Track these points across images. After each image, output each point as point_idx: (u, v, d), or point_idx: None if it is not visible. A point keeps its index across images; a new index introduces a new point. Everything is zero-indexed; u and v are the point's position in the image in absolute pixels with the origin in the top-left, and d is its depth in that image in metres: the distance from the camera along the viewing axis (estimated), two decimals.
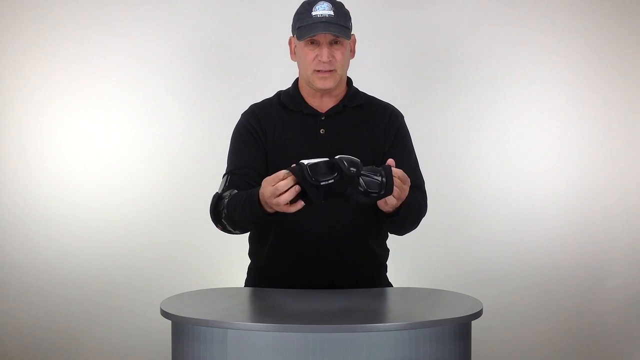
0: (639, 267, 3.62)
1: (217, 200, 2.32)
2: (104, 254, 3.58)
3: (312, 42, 2.36)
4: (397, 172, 2.12)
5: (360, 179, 2.05)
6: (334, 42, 2.36)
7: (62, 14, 3.58)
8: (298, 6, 2.43)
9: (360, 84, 2.54)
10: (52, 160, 3.60)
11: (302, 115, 2.45)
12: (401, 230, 2.41)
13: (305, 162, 2.02)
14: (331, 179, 2.01)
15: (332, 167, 2.02)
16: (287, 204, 2.06)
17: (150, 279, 3.56)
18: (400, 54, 3.63)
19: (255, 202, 2.16)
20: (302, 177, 2.02)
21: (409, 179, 2.17)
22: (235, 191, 2.30)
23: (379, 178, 2.06)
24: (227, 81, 3.61)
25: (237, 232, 2.34)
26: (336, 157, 2.04)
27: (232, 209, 2.26)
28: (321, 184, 2.01)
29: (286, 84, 2.53)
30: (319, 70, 2.37)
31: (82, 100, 3.60)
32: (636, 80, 3.62)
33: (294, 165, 2.04)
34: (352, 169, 2.02)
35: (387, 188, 2.07)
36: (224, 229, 2.34)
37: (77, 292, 3.57)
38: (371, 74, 3.36)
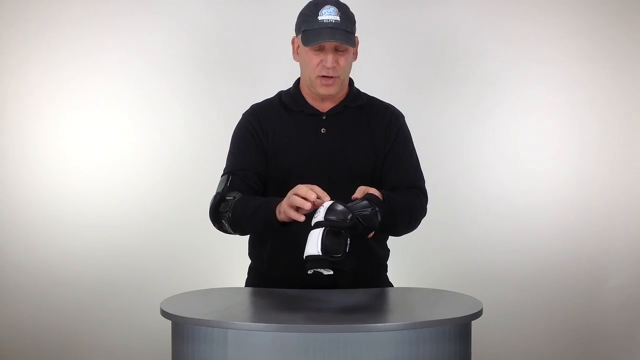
0: (639, 267, 3.62)
1: (219, 201, 2.32)
2: (104, 254, 3.58)
3: (317, 47, 2.36)
4: (373, 191, 2.16)
5: (358, 220, 2.05)
6: (338, 48, 2.36)
7: (62, 12, 3.58)
8: (301, 6, 2.42)
9: (361, 84, 2.54)
10: (52, 160, 3.60)
11: (303, 115, 2.45)
12: (394, 231, 2.42)
13: (310, 253, 2.00)
14: (347, 241, 2.01)
15: (334, 233, 2.00)
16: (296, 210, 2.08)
17: (150, 279, 3.56)
18: (401, 54, 3.63)
19: (271, 211, 2.17)
20: (329, 264, 2.00)
21: (380, 194, 2.18)
22: (240, 194, 2.30)
23: (371, 209, 2.08)
24: (228, 81, 3.61)
25: (236, 233, 2.35)
26: (321, 220, 2.01)
27: (239, 213, 2.26)
28: (347, 253, 2.01)
29: (287, 84, 2.53)
30: (322, 76, 2.37)
31: (82, 99, 3.60)
32: (637, 79, 3.62)
33: (307, 264, 2.02)
34: (348, 220, 2.02)
35: (382, 212, 2.10)
36: (221, 229, 2.34)
37: (77, 292, 3.57)
38: (372, 73, 3.36)
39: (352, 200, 2.14)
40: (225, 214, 2.29)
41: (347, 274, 2.39)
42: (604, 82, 3.62)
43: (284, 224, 2.19)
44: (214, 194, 2.37)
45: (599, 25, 3.61)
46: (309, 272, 2.02)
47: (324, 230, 2.00)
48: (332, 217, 2.01)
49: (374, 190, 2.17)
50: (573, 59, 3.62)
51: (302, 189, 2.10)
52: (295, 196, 2.09)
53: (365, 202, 2.11)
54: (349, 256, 2.02)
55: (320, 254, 1.98)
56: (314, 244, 2.00)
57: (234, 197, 2.30)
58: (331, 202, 2.05)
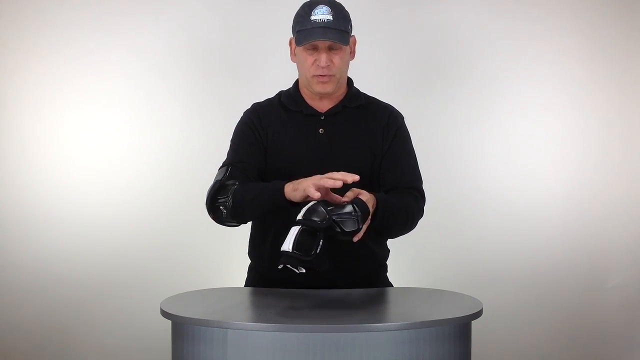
0: (639, 267, 3.62)
1: (218, 188, 2.33)
2: (104, 254, 3.58)
3: (311, 47, 2.37)
4: (364, 197, 2.17)
5: (335, 223, 2.08)
6: (332, 47, 2.37)
7: (62, 12, 3.58)
8: (299, 7, 2.43)
9: (360, 84, 2.54)
10: (52, 160, 3.60)
11: (302, 115, 2.46)
12: (390, 233, 2.42)
13: (284, 249, 2.03)
14: (320, 242, 2.05)
15: (310, 233, 2.04)
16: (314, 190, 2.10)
17: (150, 279, 3.56)
18: (400, 54, 3.63)
19: (278, 190, 2.20)
20: (300, 262, 2.04)
21: (371, 198, 2.20)
22: (239, 182, 2.31)
23: (352, 214, 2.11)
24: (228, 81, 3.61)
25: (233, 221, 2.35)
26: (299, 217, 2.06)
27: (240, 198, 2.28)
28: (319, 254, 2.04)
29: (287, 85, 2.53)
30: (318, 75, 2.37)
31: (82, 99, 3.60)
32: (637, 79, 3.62)
33: (280, 259, 2.05)
34: (323, 222, 2.05)
35: (363, 219, 2.12)
36: (217, 218, 2.34)
37: (77, 292, 3.57)
38: (371, 74, 3.36)
39: (338, 203, 2.15)
40: (224, 200, 2.30)
41: (346, 274, 2.41)
42: (604, 82, 3.62)
43: (292, 204, 2.19)
44: (212, 182, 2.37)
45: (599, 25, 3.61)
46: (279, 267, 2.07)
47: (299, 228, 2.04)
48: (309, 217, 2.05)
49: (364, 195, 2.18)
50: (573, 59, 3.62)
51: (337, 174, 2.13)
52: (326, 179, 2.11)
53: (349, 207, 2.13)
54: (321, 257, 2.05)
55: (290, 250, 2.02)
56: (288, 241, 2.04)
57: (234, 183, 2.31)
58: (314, 202, 2.08)
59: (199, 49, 3.62)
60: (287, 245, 2.03)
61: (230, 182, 2.33)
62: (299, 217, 2.06)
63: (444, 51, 3.64)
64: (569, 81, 3.62)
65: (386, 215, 2.24)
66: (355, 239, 2.17)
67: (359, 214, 2.12)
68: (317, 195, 2.10)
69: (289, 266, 2.05)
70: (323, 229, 2.05)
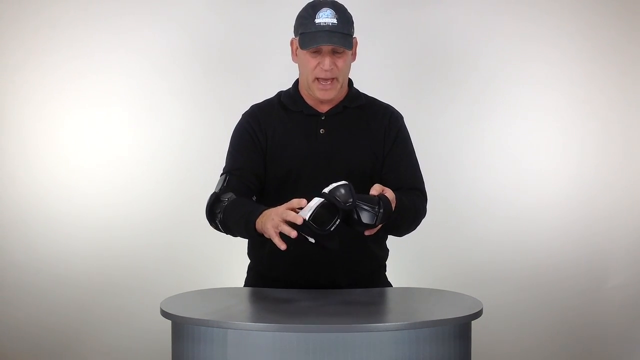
0: (639, 267, 3.62)
1: (213, 201, 2.33)
2: (104, 254, 3.58)
3: (314, 50, 2.36)
4: (389, 195, 2.15)
5: (356, 210, 2.07)
6: (336, 51, 2.36)
7: (62, 11, 3.59)
8: (300, 8, 2.42)
9: (359, 84, 2.54)
10: (52, 160, 3.60)
11: (303, 115, 2.45)
12: (396, 232, 2.42)
13: (304, 215, 2.03)
14: (337, 220, 2.03)
15: (329, 209, 2.03)
16: (280, 238, 2.06)
17: (150, 279, 3.56)
18: (400, 54, 3.63)
19: (251, 222, 2.17)
20: (312, 233, 2.03)
21: (394, 199, 2.18)
22: (234, 196, 2.30)
23: (375, 209, 2.10)
24: (229, 81, 3.61)
25: (228, 234, 2.35)
26: (326, 190, 2.05)
27: (228, 216, 2.27)
28: (331, 230, 2.03)
29: (287, 85, 2.53)
30: (320, 79, 2.37)
31: (82, 99, 3.60)
32: (637, 79, 3.62)
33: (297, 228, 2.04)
34: (347, 204, 2.04)
35: (382, 218, 2.11)
36: (217, 228, 2.35)
37: (77, 292, 3.57)
38: (371, 74, 3.36)
39: (367, 194, 2.14)
40: (218, 214, 2.30)
41: (346, 274, 2.42)
42: (604, 83, 3.62)
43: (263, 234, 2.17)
44: (211, 193, 2.37)
45: (598, 25, 3.61)
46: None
47: (321, 201, 2.03)
48: (334, 194, 2.04)
49: (389, 193, 2.16)
50: (572, 60, 3.63)
51: (295, 202, 2.08)
52: (284, 225, 2.05)
53: (376, 201, 2.11)
54: (333, 236, 2.04)
55: (307, 220, 2.02)
56: (308, 209, 2.03)
57: (228, 199, 2.30)
58: (345, 182, 2.07)
59: (199, 49, 3.62)
60: (306, 213, 2.02)
61: (225, 196, 2.31)
62: (325, 190, 2.05)
63: (444, 51, 3.64)
64: (569, 81, 3.63)
65: (399, 215, 2.23)
66: (367, 233, 2.15)
67: (382, 211, 2.11)
68: (283, 247, 2.06)
69: (301, 233, 2.04)
70: (343, 210, 2.04)
